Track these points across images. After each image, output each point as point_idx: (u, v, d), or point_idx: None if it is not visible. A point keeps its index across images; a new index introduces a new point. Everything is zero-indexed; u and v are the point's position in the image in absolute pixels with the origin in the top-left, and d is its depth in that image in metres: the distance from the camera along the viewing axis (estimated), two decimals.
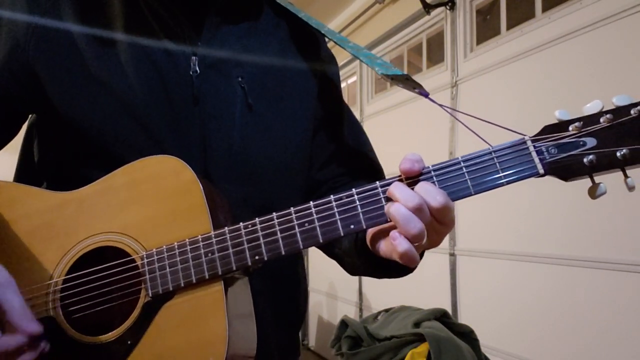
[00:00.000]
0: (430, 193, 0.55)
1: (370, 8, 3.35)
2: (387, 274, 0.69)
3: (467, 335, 1.95)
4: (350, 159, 0.81)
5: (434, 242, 0.59)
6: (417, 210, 0.54)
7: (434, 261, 2.62)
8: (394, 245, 0.55)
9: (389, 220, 0.57)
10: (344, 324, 2.18)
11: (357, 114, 3.38)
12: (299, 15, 0.77)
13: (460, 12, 2.61)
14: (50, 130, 0.73)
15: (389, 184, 0.57)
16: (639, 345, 1.67)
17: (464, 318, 2.45)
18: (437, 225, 0.56)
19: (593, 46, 1.86)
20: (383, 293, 3.16)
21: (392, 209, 0.55)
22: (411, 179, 0.57)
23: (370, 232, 0.62)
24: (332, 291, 3.89)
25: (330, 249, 0.77)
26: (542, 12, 2.15)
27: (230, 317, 0.58)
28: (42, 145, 0.76)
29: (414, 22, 3.00)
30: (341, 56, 0.83)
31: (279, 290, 0.75)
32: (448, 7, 2.65)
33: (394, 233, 0.55)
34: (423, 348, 1.84)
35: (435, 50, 2.93)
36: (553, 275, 2.00)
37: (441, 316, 2.03)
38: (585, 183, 0.56)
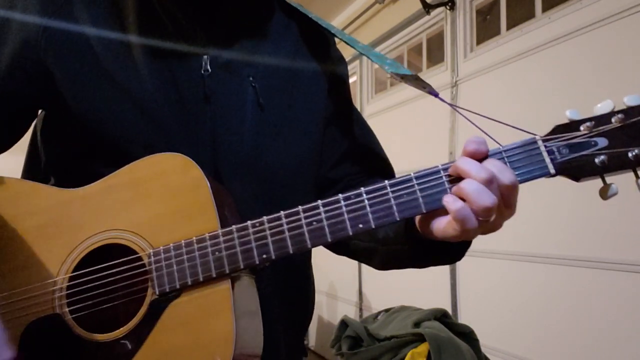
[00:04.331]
0: (500, 169, 0.53)
1: (370, 8, 3.35)
2: (437, 259, 0.67)
3: (467, 335, 1.95)
4: (363, 157, 0.81)
5: (496, 225, 0.57)
6: (488, 184, 0.52)
7: None
8: (446, 204, 0.54)
9: (442, 205, 0.55)
10: (344, 324, 2.18)
11: None
12: (309, 16, 0.78)
13: (460, 12, 2.61)
14: (59, 127, 0.72)
15: (426, 173, 0.56)
16: (639, 345, 1.67)
17: (464, 318, 2.45)
18: (502, 207, 0.55)
19: (593, 46, 1.86)
20: (383, 293, 3.16)
21: (462, 184, 0.53)
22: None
23: (419, 217, 0.60)
24: (332, 291, 3.89)
25: (355, 244, 0.75)
26: (542, 12, 2.15)
27: (237, 315, 0.57)
28: (50, 142, 0.75)
29: (414, 22, 3.00)
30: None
31: (288, 290, 0.75)
32: (448, 7, 2.65)
33: (447, 196, 0.54)
34: (423, 348, 1.84)
35: (435, 50, 2.93)
36: (553, 275, 2.00)
37: (441, 316, 2.03)
38: (588, 182, 0.55)
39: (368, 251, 0.75)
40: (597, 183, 0.55)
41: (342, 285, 3.72)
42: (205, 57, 0.69)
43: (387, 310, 2.32)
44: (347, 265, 3.41)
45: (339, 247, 0.81)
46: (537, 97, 2.09)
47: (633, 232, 1.70)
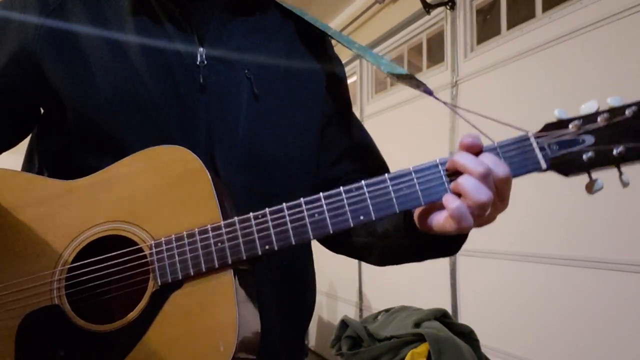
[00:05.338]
0: (495, 162, 0.55)
1: (370, 8, 3.36)
2: (435, 252, 0.69)
3: (467, 335, 1.95)
4: (362, 155, 0.82)
5: (490, 219, 0.58)
6: (484, 177, 0.54)
7: (433, 261, 2.61)
8: (445, 203, 0.55)
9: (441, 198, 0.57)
10: (344, 324, 2.18)
11: (357, 114, 3.38)
12: (304, 18, 0.79)
13: (461, 12, 2.62)
14: (55, 125, 0.72)
15: (424, 167, 0.58)
16: (639, 345, 1.67)
17: (464, 318, 2.45)
18: (496, 201, 0.56)
19: (593, 46, 1.87)
20: (383, 293, 3.16)
21: (461, 179, 0.55)
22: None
23: (418, 210, 0.62)
24: (332, 291, 3.88)
25: (354, 240, 0.76)
26: (542, 12, 2.16)
27: (239, 304, 0.57)
28: (45, 141, 0.75)
29: (414, 22, 3.01)
30: (341, 55, 0.86)
31: (284, 283, 0.75)
32: (448, 7, 2.65)
33: (446, 196, 0.56)
34: (423, 348, 1.84)
35: (435, 50, 2.94)
36: (553, 275, 2.00)
37: (441, 316, 2.03)
38: (584, 181, 0.56)
39: (367, 247, 0.76)
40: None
41: (342, 285, 3.72)
42: (201, 49, 0.70)
43: (387, 310, 2.32)
44: (347, 265, 3.41)
45: (338, 245, 0.81)
46: (538, 97, 2.09)
47: (633, 232, 1.70)
